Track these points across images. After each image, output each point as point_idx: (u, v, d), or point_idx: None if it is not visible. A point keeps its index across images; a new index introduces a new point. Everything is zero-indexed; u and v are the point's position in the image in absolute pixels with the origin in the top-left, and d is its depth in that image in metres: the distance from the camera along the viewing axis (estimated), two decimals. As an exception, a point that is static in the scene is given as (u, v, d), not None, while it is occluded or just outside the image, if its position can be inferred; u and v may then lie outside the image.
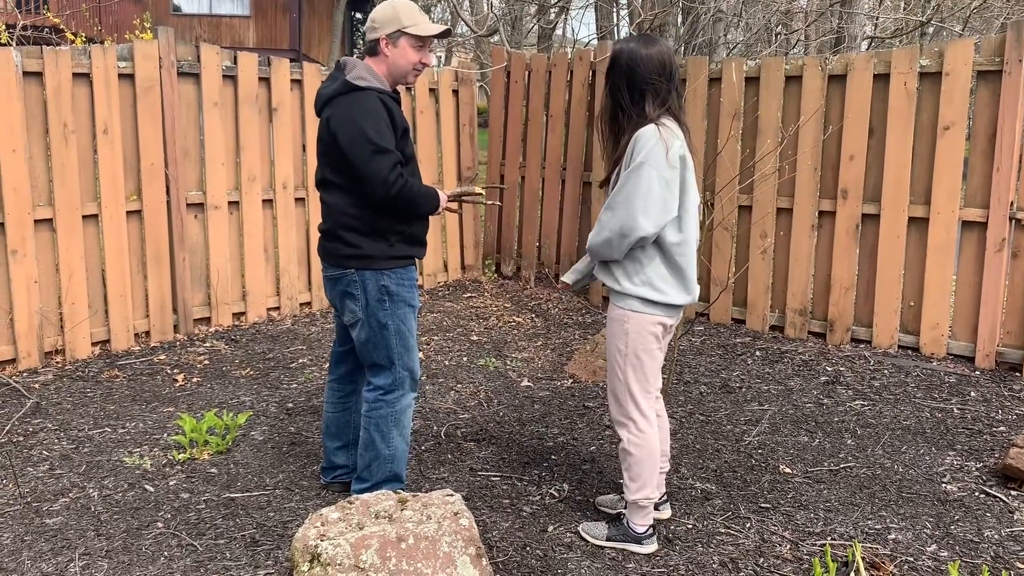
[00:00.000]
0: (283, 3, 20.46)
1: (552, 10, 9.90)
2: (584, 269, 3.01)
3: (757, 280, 5.53)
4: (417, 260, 3.12)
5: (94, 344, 5.08)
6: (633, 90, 2.69)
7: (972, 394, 4.37)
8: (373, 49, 2.96)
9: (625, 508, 2.90)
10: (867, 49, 12.30)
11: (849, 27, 12.98)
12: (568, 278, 3.03)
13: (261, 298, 5.84)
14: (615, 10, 7.19)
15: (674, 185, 2.65)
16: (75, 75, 4.82)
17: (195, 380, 4.67)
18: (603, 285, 2.92)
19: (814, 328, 5.38)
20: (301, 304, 6.09)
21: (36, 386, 4.50)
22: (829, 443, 3.74)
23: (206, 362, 4.98)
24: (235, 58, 5.55)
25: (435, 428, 3.98)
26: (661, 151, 2.60)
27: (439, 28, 2.96)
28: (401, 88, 6.47)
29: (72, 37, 5.82)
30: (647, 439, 2.84)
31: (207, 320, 5.60)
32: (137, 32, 5.60)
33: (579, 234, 6.52)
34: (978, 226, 4.78)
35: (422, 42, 2.94)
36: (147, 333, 5.31)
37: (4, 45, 5.13)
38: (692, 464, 3.52)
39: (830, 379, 4.63)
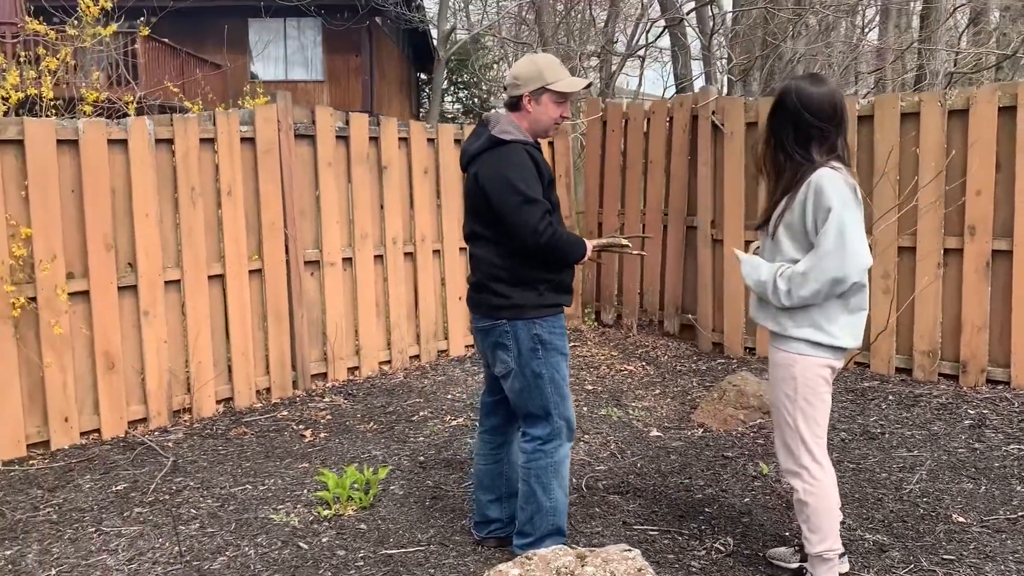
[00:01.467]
0: (355, 67, 21.05)
1: (630, 60, 9.96)
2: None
3: (880, 321, 5.37)
4: (565, 308, 3.10)
5: (218, 402, 5.16)
6: (799, 132, 2.63)
7: None
8: (515, 105, 2.97)
9: (806, 562, 2.79)
10: (947, 85, 12.07)
11: (929, 64, 12.78)
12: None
13: (374, 352, 5.88)
14: (708, 58, 7.21)
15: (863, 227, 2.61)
16: (201, 140, 4.99)
17: (322, 435, 4.69)
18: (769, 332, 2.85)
19: (944, 370, 5.18)
20: (411, 357, 6.11)
21: (170, 444, 4.58)
22: (997, 490, 3.56)
23: (329, 417, 5.01)
24: (347, 119, 5.69)
25: (574, 480, 3.91)
26: (850, 194, 2.55)
27: (582, 82, 3.00)
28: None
29: (190, 104, 6.03)
30: (823, 487, 2.74)
31: (323, 375, 5.66)
32: (247, 98, 5.79)
33: (683, 279, 6.45)
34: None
35: (564, 97, 2.96)
36: (268, 390, 5.37)
37: (124, 116, 5.33)
38: (856, 515, 3.38)
39: (975, 422, 4.44)
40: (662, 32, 10.45)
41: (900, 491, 3.59)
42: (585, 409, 4.98)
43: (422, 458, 4.28)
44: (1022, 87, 4.80)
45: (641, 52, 11.20)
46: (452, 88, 27.61)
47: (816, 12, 9.24)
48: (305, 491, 3.89)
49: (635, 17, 13.35)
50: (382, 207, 5.91)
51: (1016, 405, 4.64)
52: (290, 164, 5.37)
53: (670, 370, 5.77)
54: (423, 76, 29.35)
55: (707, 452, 4.22)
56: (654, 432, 4.51)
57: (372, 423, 4.88)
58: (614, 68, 13.60)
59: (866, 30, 15.61)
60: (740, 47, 7.66)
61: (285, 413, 5.09)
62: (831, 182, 2.56)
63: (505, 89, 3.07)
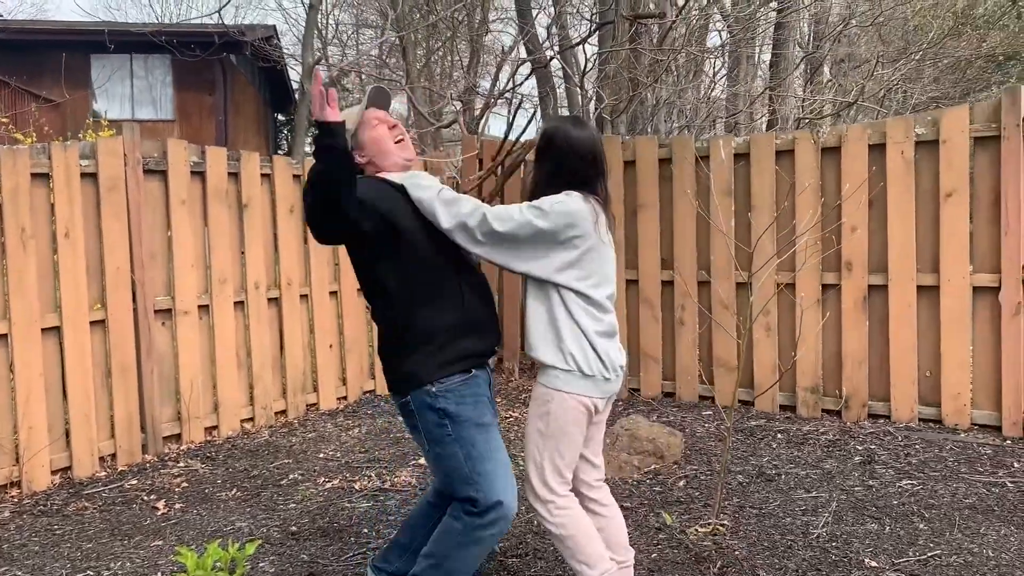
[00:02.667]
0: (208, 106, 20.16)
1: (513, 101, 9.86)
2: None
3: (764, 359, 5.34)
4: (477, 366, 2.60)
5: (54, 472, 4.51)
6: (560, 171, 2.57)
7: (1016, 464, 4.20)
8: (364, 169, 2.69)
9: None
10: (797, 129, 12.68)
11: (781, 109, 13.41)
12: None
13: (235, 409, 5.35)
14: (581, 97, 7.17)
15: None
16: (34, 176, 4.40)
17: (178, 507, 4.15)
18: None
19: (827, 406, 5.19)
20: (276, 413, 5.62)
21: (-7, 527, 3.92)
22: (902, 530, 3.48)
23: (185, 485, 4.46)
24: (203, 153, 5.22)
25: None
26: (573, 211, 2.49)
27: (363, 104, 2.66)
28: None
29: (22, 137, 5.39)
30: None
31: (177, 437, 5.08)
32: (91, 131, 5.22)
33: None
34: (990, 291, 4.71)
35: (372, 119, 2.64)
36: (113, 456, 4.76)
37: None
38: (768, 565, 3.20)
39: (864, 458, 4.41)
40: (530, 73, 10.42)
41: (808, 536, 3.46)
42: (472, 462, 4.65)
43: (294, 528, 3.82)
44: (890, 125, 4.92)
45: (508, 95, 11.13)
46: (312, 129, 26.95)
47: (675, 57, 9.44)
48: (159, 574, 3.37)
49: (500, 59, 13.36)
50: (243, 250, 5.44)
51: (900, 439, 4.66)
52: (138, 202, 4.84)
53: (556, 415, 5.53)
54: (280, 116, 28.60)
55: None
56: (548, 484, 4.22)
57: (235, 490, 4.38)
58: (481, 112, 13.56)
59: (716, 78, 16.29)
60: (609, 88, 7.67)
61: (134, 482, 4.50)
62: (565, 196, 2.51)
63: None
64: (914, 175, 4.86)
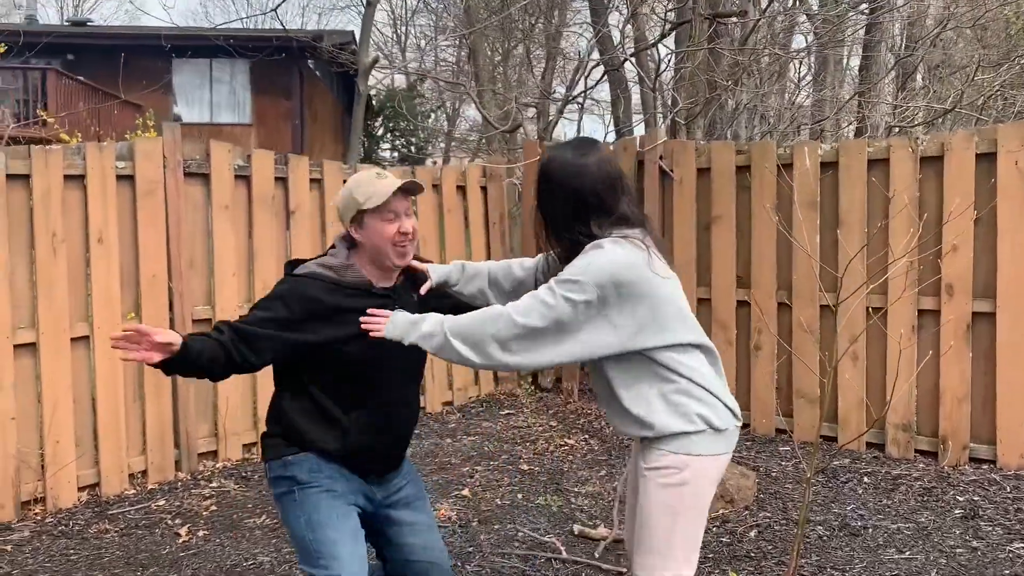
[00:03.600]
0: (285, 111, 20.31)
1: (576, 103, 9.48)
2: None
3: (849, 392, 4.80)
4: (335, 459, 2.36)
5: (81, 489, 4.30)
6: (575, 207, 2.17)
7: None
8: (350, 239, 2.40)
9: None
10: (888, 137, 11.92)
11: (871, 116, 12.66)
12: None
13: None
14: (652, 101, 6.77)
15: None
16: (67, 177, 4.20)
17: (201, 534, 3.87)
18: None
19: (921, 446, 4.62)
20: (320, 430, 5.32)
21: (8, 549, 3.70)
22: (1018, 610, 2.95)
23: (213, 508, 4.19)
24: (248, 156, 4.96)
25: (504, 596, 3.18)
26: (629, 261, 2.11)
27: (393, 183, 2.31)
28: (428, 183, 5.88)
29: (68, 138, 5.23)
30: None
31: (213, 454, 4.83)
32: (139, 132, 5.03)
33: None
34: (1121, 323, 4.09)
35: (390, 210, 2.30)
36: (144, 472, 4.52)
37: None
38: (853, 647, 2.72)
39: (966, 512, 3.85)
40: (602, 77, 10.00)
41: (901, 612, 2.96)
42: (520, 496, 4.26)
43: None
44: (1002, 132, 4.34)
45: (580, 99, 10.73)
46: (388, 135, 27.02)
47: (756, 59, 8.88)
48: (165, 616, 3.07)
49: (574, 62, 12.99)
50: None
51: (1008, 490, 4.08)
52: (178, 207, 4.61)
53: (616, 445, 5.09)
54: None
55: (664, 555, 3.53)
56: (601, 529, 3.80)
57: (264, 516, 4.08)
58: (552, 118, 13.17)
59: (801, 83, 15.57)
60: (684, 91, 7.21)
61: (162, 503, 4.25)
62: (594, 252, 2.10)
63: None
64: (1030, 188, 4.27)
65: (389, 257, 2.32)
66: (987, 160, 4.40)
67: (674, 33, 8.78)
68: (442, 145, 27.68)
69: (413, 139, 26.29)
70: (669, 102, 7.46)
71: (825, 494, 4.15)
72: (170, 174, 4.57)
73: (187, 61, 19.20)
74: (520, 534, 3.78)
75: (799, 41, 14.73)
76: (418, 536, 2.47)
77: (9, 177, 4.02)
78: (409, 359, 2.33)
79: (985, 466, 4.39)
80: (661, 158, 5.53)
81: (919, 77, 15.98)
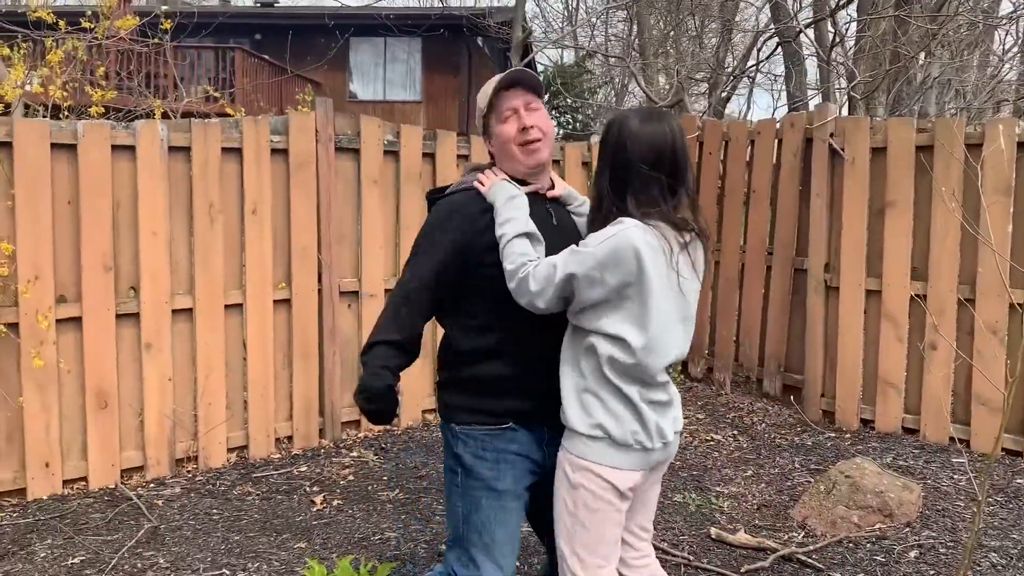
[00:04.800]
0: (453, 88, 20.64)
1: (734, 79, 8.97)
2: None
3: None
4: (515, 422, 2.14)
5: (230, 451, 4.47)
6: (616, 175, 2.02)
7: None
8: (492, 162, 2.27)
9: None
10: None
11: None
12: None
13: (418, 398, 5.10)
14: (827, 74, 6.25)
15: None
16: (224, 150, 4.34)
17: (335, 503, 3.93)
18: None
19: None
20: (461, 407, 5.31)
21: (160, 503, 3.89)
22: None
23: (351, 478, 4.25)
24: (398, 132, 4.97)
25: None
26: (642, 253, 1.95)
27: (494, 82, 2.15)
28: (578, 160, 5.70)
29: (233, 112, 5.43)
30: None
31: (356, 424, 4.91)
32: (300, 107, 5.16)
33: (788, 332, 5.43)
34: None
35: (506, 108, 2.14)
36: (289, 438, 4.66)
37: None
38: None
39: None
40: (776, 48, 9.43)
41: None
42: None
43: (443, 547, 3.45)
44: None
45: (751, 72, 10.17)
46: (554, 112, 26.96)
47: (955, 25, 8.04)
48: (290, 584, 3.12)
49: (748, 33, 12.37)
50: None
51: None
52: (328, 180, 4.68)
53: (767, 443, 4.77)
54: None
55: (807, 575, 3.23)
56: (741, 534, 3.54)
57: (398, 490, 4.09)
58: (722, 91, 12.58)
59: (1006, 55, 14.11)
60: (864, 63, 6.61)
61: (304, 469, 4.36)
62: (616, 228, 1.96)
63: None
64: None
65: (518, 159, 2.14)
66: None
67: (856, 0, 8.11)
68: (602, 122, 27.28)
69: (578, 116, 26.08)
70: (846, 75, 6.88)
71: (1004, 516, 3.69)
72: (322, 148, 4.64)
73: (363, 40, 19.84)
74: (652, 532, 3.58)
75: (1005, 8, 13.36)
76: None
77: (171, 149, 4.19)
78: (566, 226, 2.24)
79: None
80: (832, 135, 5.08)
81: None
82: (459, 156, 5.20)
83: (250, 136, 4.40)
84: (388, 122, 4.98)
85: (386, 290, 4.95)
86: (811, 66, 10.07)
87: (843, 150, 5.02)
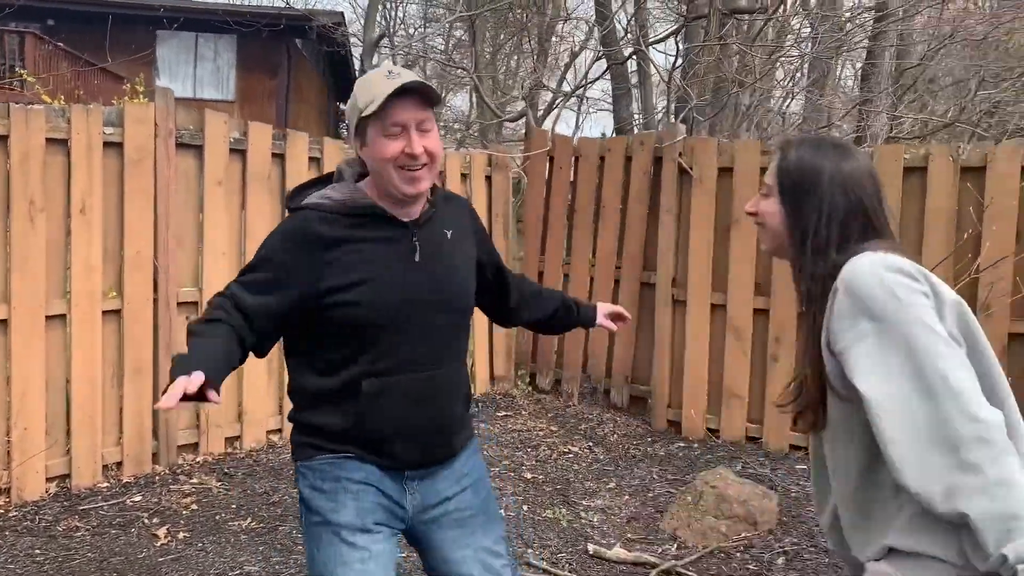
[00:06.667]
0: (270, 89, 19.86)
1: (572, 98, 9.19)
2: None
3: None
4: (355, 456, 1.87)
5: (50, 480, 3.96)
6: (832, 220, 1.60)
7: None
8: (361, 162, 1.90)
9: None
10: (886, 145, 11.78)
11: (871, 127, 12.50)
12: None
13: (262, 418, 4.75)
14: (652, 97, 6.50)
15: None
16: (49, 141, 3.85)
17: (181, 536, 3.55)
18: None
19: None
20: (308, 425, 5.00)
21: (-34, 545, 3.36)
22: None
23: (194, 507, 3.86)
24: (245, 129, 4.63)
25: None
26: (911, 287, 1.47)
27: (391, 85, 1.74)
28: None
29: (49, 100, 4.86)
30: None
31: (194, 447, 4.49)
32: (128, 98, 4.68)
33: (636, 344, 5.55)
34: None
35: (394, 122, 1.76)
36: (119, 464, 4.18)
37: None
38: None
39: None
40: (606, 70, 9.73)
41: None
42: (526, 508, 3.97)
43: (313, 579, 3.19)
44: (1051, 145, 4.12)
45: (579, 92, 10.46)
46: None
47: (768, 59, 8.64)
48: (142, 632, 2.76)
49: (572, 54, 12.71)
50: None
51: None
52: (167, 179, 4.26)
53: (623, 454, 4.83)
54: (343, 106, 28.35)
55: (690, 582, 3.27)
56: (617, 548, 3.53)
57: (251, 519, 3.76)
58: (542, 109, 12.88)
59: (795, 87, 15.36)
60: (697, 88, 6.95)
61: (138, 498, 3.92)
62: (871, 273, 1.49)
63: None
64: (1078, 206, 4.06)
65: (395, 184, 1.79)
66: (1032, 173, 4.18)
67: (684, 29, 8.52)
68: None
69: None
70: (672, 100, 7.20)
71: (850, 519, 3.91)
72: (161, 143, 4.22)
73: (173, 34, 18.66)
74: (529, 551, 3.49)
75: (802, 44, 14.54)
76: (471, 567, 1.91)
77: (-15, 137, 3.66)
78: (452, 306, 1.90)
79: None
80: (680, 155, 5.26)
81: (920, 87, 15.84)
82: (311, 159, 4.92)
83: (80, 126, 3.92)
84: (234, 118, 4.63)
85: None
86: (637, 89, 10.48)
87: (691, 169, 5.20)
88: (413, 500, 1.88)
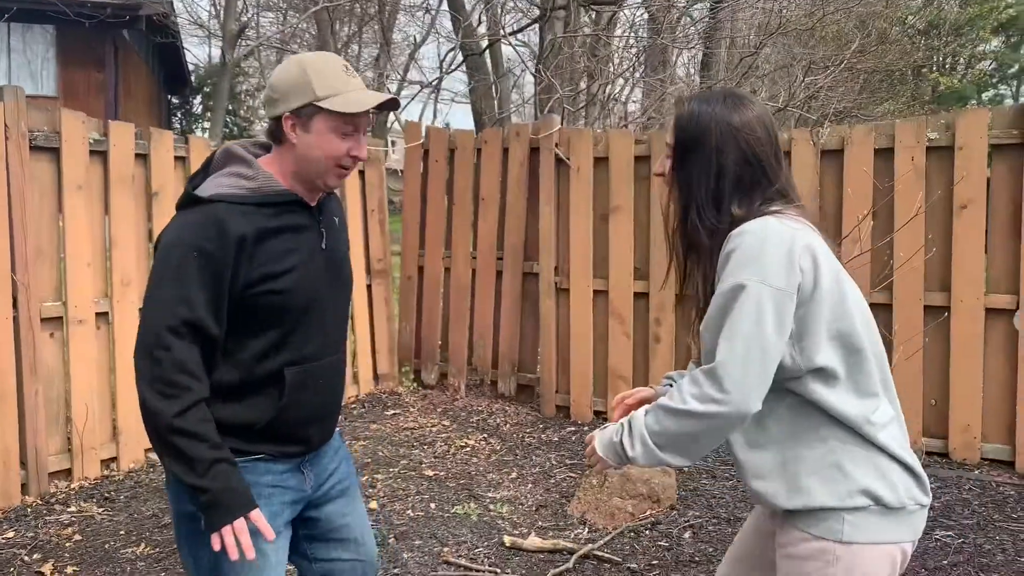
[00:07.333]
0: (97, 84, 18.56)
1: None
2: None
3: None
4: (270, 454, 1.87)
5: (-97, 524, 3.57)
6: (723, 176, 1.66)
7: (1048, 509, 3.80)
8: (275, 134, 1.83)
9: None
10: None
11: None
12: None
13: (138, 436, 4.45)
14: (508, 88, 6.56)
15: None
16: None
17: (70, 571, 3.29)
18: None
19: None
20: (189, 439, 4.75)
21: None
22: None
23: (78, 538, 3.59)
24: (106, 129, 4.32)
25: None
26: (799, 255, 1.57)
27: (377, 97, 1.81)
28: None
29: None
30: None
31: (67, 472, 4.17)
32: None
33: (521, 333, 5.61)
34: (1006, 314, 4.31)
35: (351, 123, 1.78)
36: (-18, 500, 3.83)
37: None
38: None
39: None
40: (463, 62, 9.73)
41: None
42: (433, 506, 3.94)
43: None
44: (900, 128, 4.47)
45: (433, 84, 10.42)
46: (208, 114, 25.49)
47: (621, 49, 8.92)
48: None
49: (412, 48, 12.63)
50: (152, 247, 4.56)
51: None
52: (22, 186, 3.91)
53: (519, 443, 4.87)
54: (174, 99, 27.03)
55: (609, 569, 3.34)
56: (532, 538, 3.56)
57: (144, 544, 3.54)
58: (398, 95, 12.63)
59: (637, 73, 15.91)
60: (560, 78, 7.07)
61: (11, 535, 3.60)
62: (761, 233, 1.58)
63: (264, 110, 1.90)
64: (924, 183, 4.42)
65: (325, 177, 1.81)
66: (885, 155, 4.52)
67: (538, 24, 8.64)
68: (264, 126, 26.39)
69: (235, 119, 24.87)
70: (537, 92, 7.31)
71: (741, 489, 4.12)
72: (13, 147, 3.87)
73: (-21, 23, 17.08)
74: (445, 549, 3.47)
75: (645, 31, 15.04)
76: (351, 530, 2.03)
77: None
78: (347, 291, 2.01)
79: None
80: (557, 145, 5.34)
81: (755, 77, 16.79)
82: (177, 158, 4.65)
83: (-82, 130, 3.54)
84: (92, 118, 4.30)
85: (97, 313, 4.27)
86: (492, 81, 10.54)
87: (568, 159, 5.29)
88: (309, 482, 1.94)
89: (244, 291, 1.75)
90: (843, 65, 13.52)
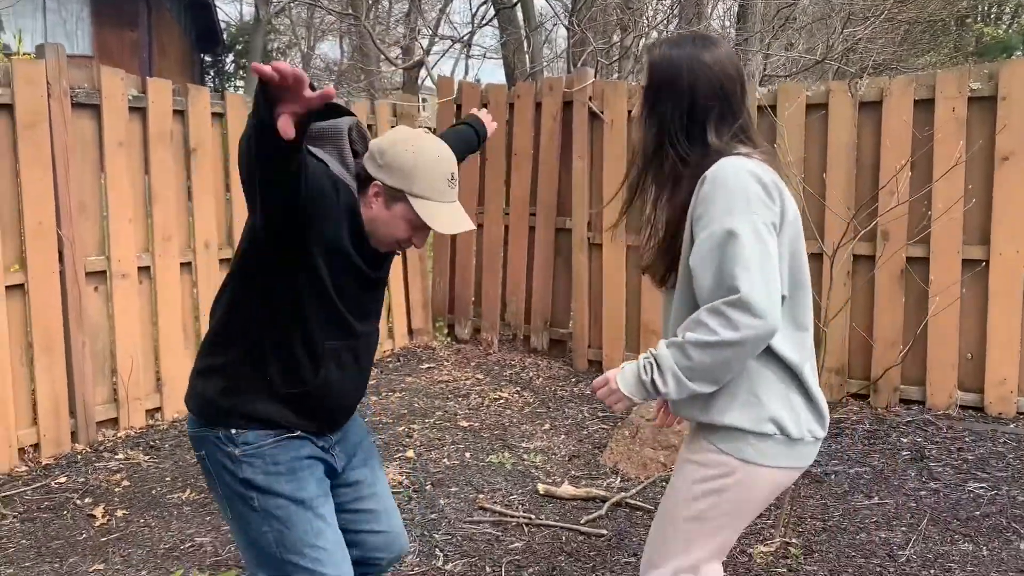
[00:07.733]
0: (131, 43, 18.70)
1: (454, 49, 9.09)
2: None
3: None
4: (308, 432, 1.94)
5: (-39, 469, 3.72)
6: (693, 114, 1.76)
7: (1084, 463, 3.79)
8: (362, 180, 1.88)
9: None
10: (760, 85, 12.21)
11: (747, 66, 12.91)
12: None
13: (182, 387, 4.57)
14: (540, 41, 6.51)
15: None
16: (-69, 104, 3.53)
17: (120, 514, 3.42)
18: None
19: (853, 389, 4.71)
20: (230, 391, 4.87)
21: None
22: (1004, 552, 2.99)
23: (127, 483, 3.72)
24: (144, 86, 4.37)
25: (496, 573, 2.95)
26: (757, 192, 1.67)
27: (461, 227, 1.89)
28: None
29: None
30: None
31: (114, 422, 4.31)
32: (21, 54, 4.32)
33: (554, 288, 5.64)
34: (1046, 267, 4.26)
35: (423, 224, 1.87)
36: (35, 446, 3.97)
37: None
38: (864, 600, 2.68)
39: (912, 454, 3.93)
40: (495, 15, 9.63)
41: (896, 560, 2.95)
42: (468, 456, 4.02)
43: None
44: (941, 79, 4.38)
45: (466, 38, 10.34)
46: (241, 72, 25.57)
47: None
48: (102, 615, 2.67)
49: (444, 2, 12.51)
50: (191, 200, 4.64)
51: (944, 430, 4.20)
52: (65, 143, 3.99)
53: (551, 396, 4.93)
54: (207, 58, 27.08)
55: (641, 517, 3.40)
56: (566, 486, 3.63)
57: (189, 490, 3.66)
58: (425, 57, 12.63)
59: (661, 25, 15.68)
60: (594, 32, 7.00)
61: (63, 480, 3.74)
62: (732, 174, 1.68)
63: (364, 150, 1.93)
64: (965, 135, 4.35)
65: (379, 243, 1.90)
66: (924, 107, 4.45)
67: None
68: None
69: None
70: (568, 43, 7.23)
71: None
72: (56, 105, 3.94)
73: (14, -17, 17.20)
74: (481, 496, 3.55)
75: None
76: (379, 501, 2.10)
77: None
78: (383, 274, 2.01)
79: (915, 407, 4.51)
80: (591, 99, 5.31)
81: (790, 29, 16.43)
82: (214, 115, 4.70)
83: (-36, 88, 3.61)
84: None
85: (140, 268, 4.37)
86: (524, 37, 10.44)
87: (602, 113, 5.26)
88: (340, 460, 2.03)
89: (313, 245, 1.79)
90: (883, 16, 13.18)
